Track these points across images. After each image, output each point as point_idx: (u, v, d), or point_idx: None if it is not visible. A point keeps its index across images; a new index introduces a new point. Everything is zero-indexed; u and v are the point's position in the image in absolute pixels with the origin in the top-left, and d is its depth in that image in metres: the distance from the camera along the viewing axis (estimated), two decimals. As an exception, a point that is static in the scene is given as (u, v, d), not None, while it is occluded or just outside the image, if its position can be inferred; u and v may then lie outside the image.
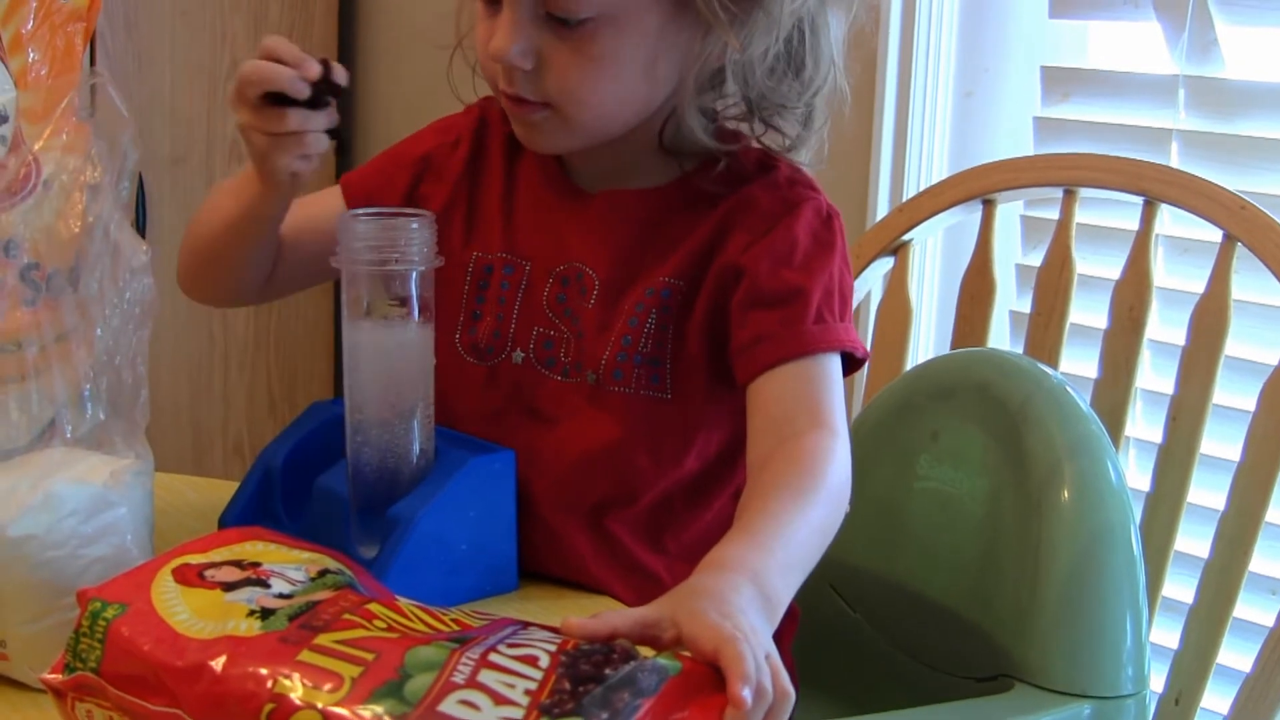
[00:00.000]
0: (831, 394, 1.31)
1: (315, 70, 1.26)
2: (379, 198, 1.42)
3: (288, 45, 1.26)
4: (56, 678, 1.01)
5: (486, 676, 0.90)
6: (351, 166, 1.55)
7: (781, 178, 1.41)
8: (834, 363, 1.33)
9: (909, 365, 1.94)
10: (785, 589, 1.11)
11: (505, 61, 1.32)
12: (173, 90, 2.99)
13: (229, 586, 1.02)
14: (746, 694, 0.92)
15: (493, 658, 0.93)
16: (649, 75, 1.34)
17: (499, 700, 0.89)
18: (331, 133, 1.29)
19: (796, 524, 1.17)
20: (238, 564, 1.06)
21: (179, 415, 3.08)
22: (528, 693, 0.89)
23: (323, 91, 1.27)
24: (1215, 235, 1.73)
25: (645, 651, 0.96)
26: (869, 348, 1.60)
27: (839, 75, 1.40)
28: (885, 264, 1.99)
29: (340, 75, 1.28)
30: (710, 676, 0.94)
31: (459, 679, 0.90)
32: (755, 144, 1.43)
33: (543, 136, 1.38)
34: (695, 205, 1.39)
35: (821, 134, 1.42)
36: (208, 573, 1.04)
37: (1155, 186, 1.77)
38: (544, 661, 0.93)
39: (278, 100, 1.26)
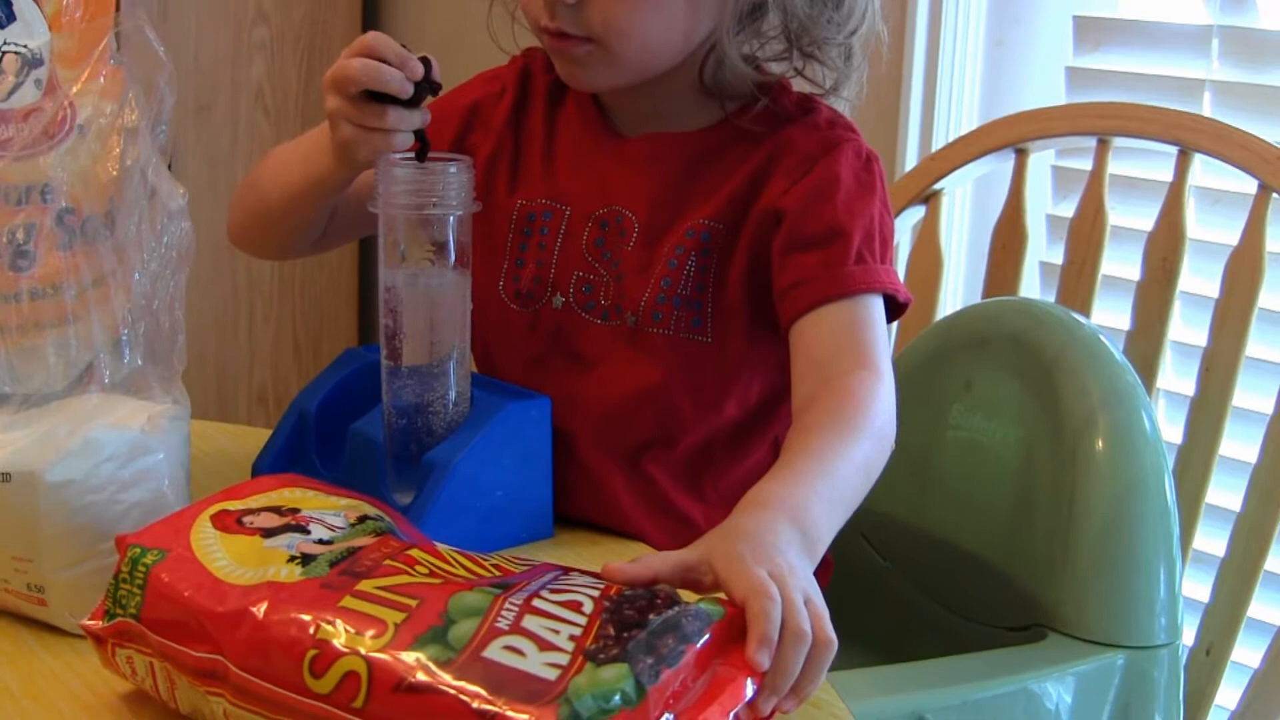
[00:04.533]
0: (875, 334, 1.31)
1: (420, 71, 1.26)
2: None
3: (390, 43, 1.26)
4: (96, 624, 1.02)
5: (531, 622, 0.90)
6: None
7: (822, 119, 1.40)
8: (876, 304, 1.33)
9: (939, 315, 1.93)
10: (827, 525, 1.10)
11: None
12: (198, 38, 2.99)
13: (268, 533, 1.02)
14: (763, 658, 0.91)
15: (537, 603, 0.92)
16: (691, 6, 1.34)
17: (544, 646, 0.88)
18: (417, 132, 1.28)
19: (839, 461, 1.17)
20: (276, 510, 1.06)
21: (204, 362, 3.08)
22: (572, 638, 0.89)
23: (423, 90, 1.27)
24: (1247, 186, 1.72)
25: (688, 596, 0.96)
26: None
27: (876, 15, 1.39)
28: (916, 213, 1.98)
29: (439, 73, 1.27)
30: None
31: (503, 625, 0.90)
32: (795, 87, 1.42)
33: (586, 72, 1.38)
34: (735, 147, 1.39)
35: (860, 75, 1.41)
36: (246, 519, 1.04)
37: (1190, 136, 1.76)
38: (588, 607, 0.92)
39: (376, 96, 1.26)
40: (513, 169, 1.46)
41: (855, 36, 1.39)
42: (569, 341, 1.41)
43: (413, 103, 1.26)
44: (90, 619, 1.02)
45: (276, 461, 1.37)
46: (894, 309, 1.35)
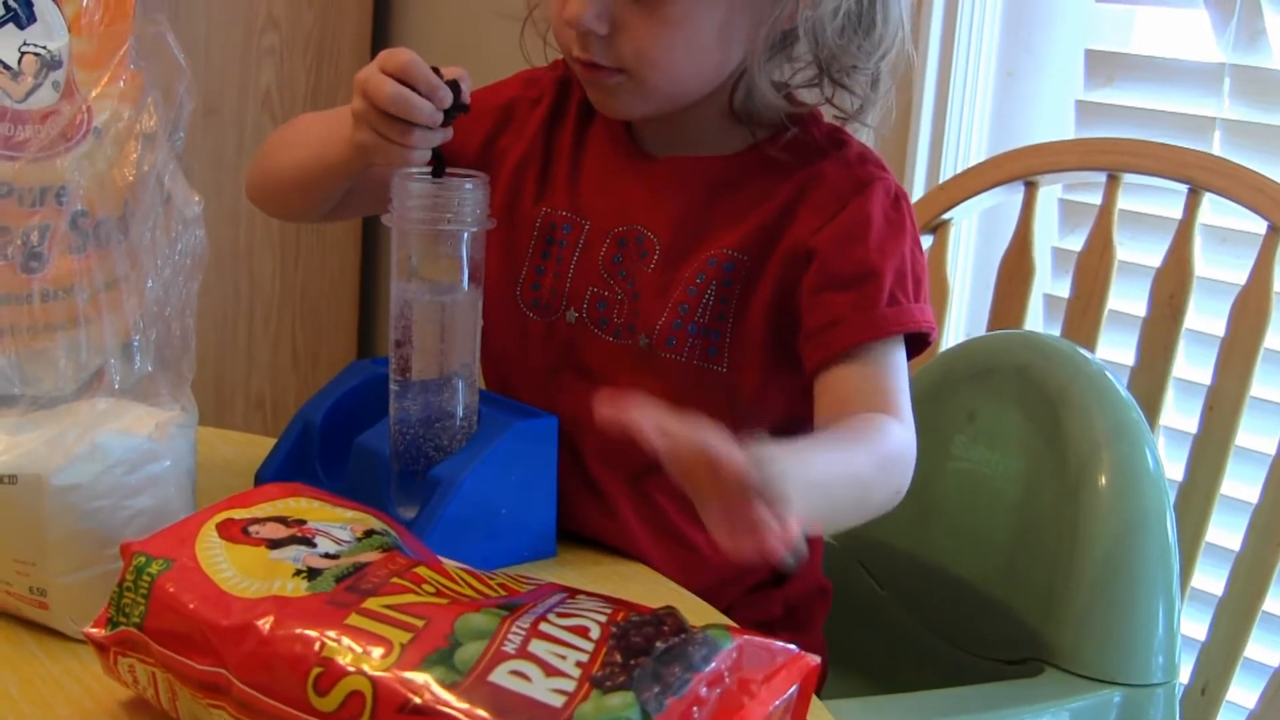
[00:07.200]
0: (901, 382, 1.32)
1: (448, 100, 1.26)
2: (455, 143, 1.34)
3: (422, 70, 1.26)
4: (99, 632, 1.01)
5: (537, 647, 0.90)
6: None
7: (852, 155, 1.40)
8: (902, 348, 1.34)
9: (944, 345, 1.93)
10: (804, 501, 1.03)
11: (580, 27, 1.31)
12: (207, 41, 2.98)
13: (274, 544, 1.02)
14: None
15: (543, 627, 0.92)
16: (723, 37, 1.33)
17: (550, 671, 0.88)
18: (434, 150, 1.28)
19: (839, 460, 1.17)
20: (282, 521, 1.05)
21: (203, 367, 3.05)
22: (579, 664, 0.89)
23: (452, 114, 1.27)
24: (1255, 225, 1.72)
25: (694, 620, 0.95)
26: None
27: (906, 39, 1.39)
28: (923, 243, 1.97)
29: (468, 94, 1.28)
30: (759, 651, 0.94)
31: (510, 649, 0.90)
32: (825, 117, 1.42)
33: (617, 102, 1.38)
34: (763, 176, 1.39)
35: (888, 99, 1.41)
36: (252, 529, 1.04)
37: (1201, 175, 1.76)
38: (595, 633, 0.92)
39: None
40: (541, 177, 1.46)
41: (884, 62, 1.39)
42: (580, 356, 1.41)
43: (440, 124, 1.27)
44: (93, 626, 1.02)
45: (280, 471, 1.37)
46: (916, 344, 1.36)
